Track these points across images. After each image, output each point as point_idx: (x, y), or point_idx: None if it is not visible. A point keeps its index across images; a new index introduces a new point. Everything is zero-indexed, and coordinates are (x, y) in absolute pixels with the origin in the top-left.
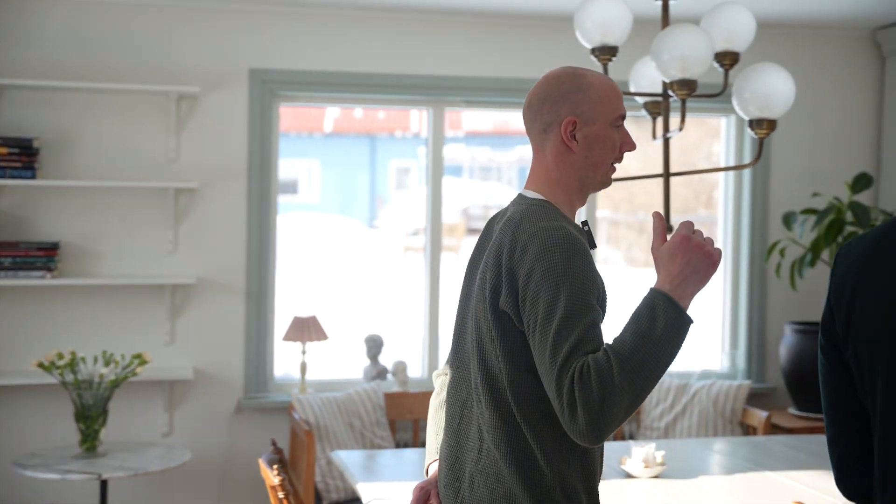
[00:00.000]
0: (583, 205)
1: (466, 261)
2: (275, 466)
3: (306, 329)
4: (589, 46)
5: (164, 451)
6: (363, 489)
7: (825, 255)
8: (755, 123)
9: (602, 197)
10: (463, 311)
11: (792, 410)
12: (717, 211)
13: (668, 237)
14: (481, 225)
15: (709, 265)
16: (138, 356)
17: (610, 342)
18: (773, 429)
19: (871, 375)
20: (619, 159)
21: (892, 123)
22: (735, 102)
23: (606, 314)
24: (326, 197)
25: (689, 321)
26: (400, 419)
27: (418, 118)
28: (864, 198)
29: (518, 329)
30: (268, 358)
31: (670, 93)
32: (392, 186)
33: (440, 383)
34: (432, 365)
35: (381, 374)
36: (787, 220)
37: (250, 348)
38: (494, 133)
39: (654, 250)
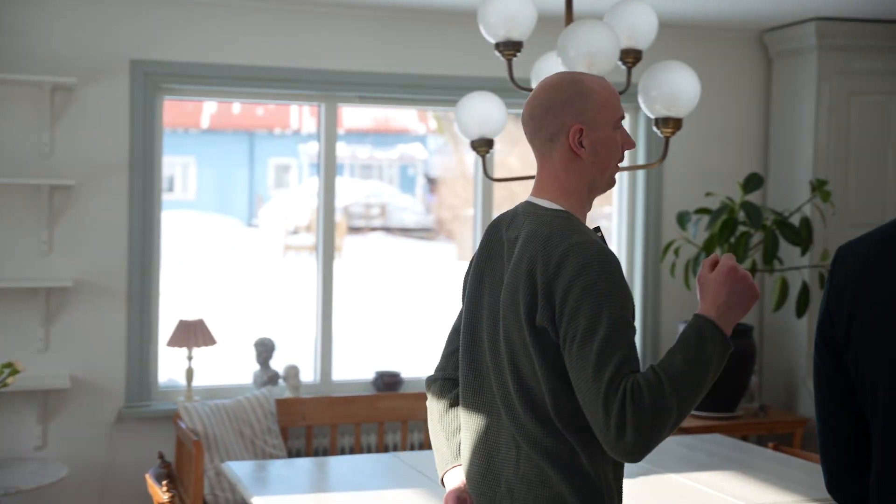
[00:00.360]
0: (590, 209)
1: (473, 264)
2: (164, 482)
3: (192, 333)
4: (493, 41)
5: (38, 467)
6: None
7: (718, 254)
8: (661, 122)
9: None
10: (474, 317)
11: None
12: (611, 210)
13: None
14: (362, 223)
15: (751, 297)
16: (9, 365)
17: (657, 364)
18: None
19: (872, 384)
20: (622, 159)
21: (779, 124)
22: (641, 100)
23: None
24: (203, 195)
25: (730, 347)
26: (292, 426)
27: (298, 115)
28: (755, 197)
29: (556, 343)
30: (151, 364)
31: None
32: (271, 184)
33: (438, 388)
34: (325, 368)
35: (272, 379)
36: (681, 219)
37: (132, 354)
38: (375, 130)
39: (702, 277)
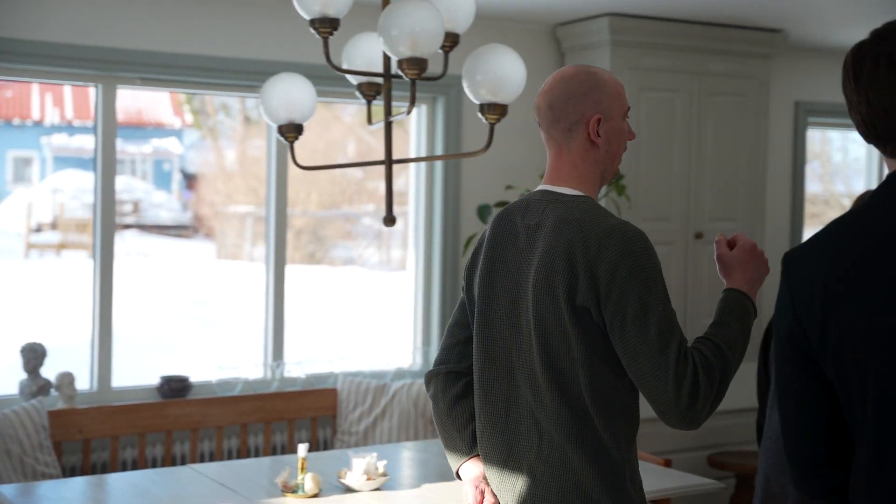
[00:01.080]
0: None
1: (483, 255)
2: None
3: None
4: (308, 17)
5: None
6: None
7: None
8: (486, 108)
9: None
10: (486, 306)
11: None
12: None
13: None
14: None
15: (766, 272)
16: None
17: (710, 335)
18: None
19: (860, 380)
20: (626, 149)
21: None
22: (465, 85)
23: None
24: None
25: (756, 316)
26: (68, 440)
27: (40, 105)
28: None
29: (597, 324)
30: None
31: (398, 72)
32: (10, 179)
33: (442, 381)
34: (104, 375)
35: (42, 388)
36: (482, 212)
37: None
38: (126, 124)
39: (725, 255)
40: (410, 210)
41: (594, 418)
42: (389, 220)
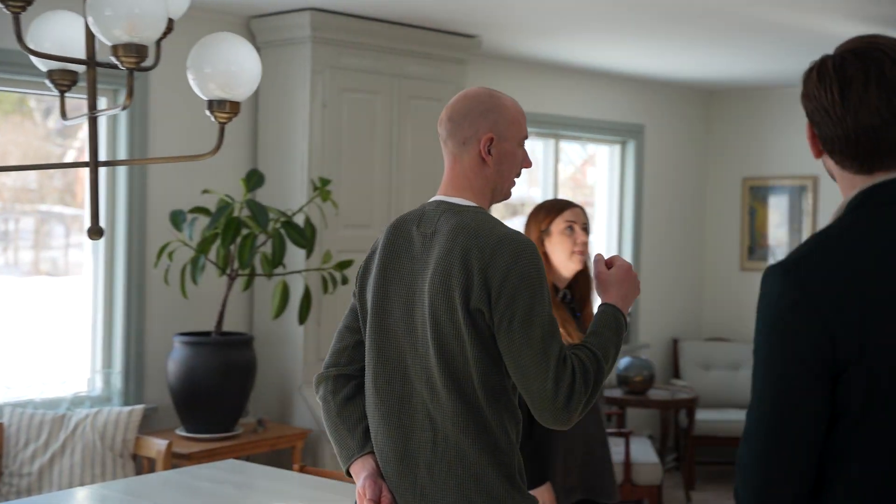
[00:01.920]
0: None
1: (376, 262)
2: None
3: None
4: None
5: None
6: None
7: (213, 255)
8: (216, 105)
9: None
10: (380, 310)
11: (180, 432)
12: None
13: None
14: None
15: (638, 292)
16: None
17: (587, 343)
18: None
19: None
20: (519, 175)
21: (271, 118)
22: (191, 78)
23: None
24: None
25: (626, 331)
26: None
27: None
28: (259, 195)
29: (488, 325)
30: None
31: (113, 59)
32: None
33: (332, 384)
34: None
35: None
36: (176, 219)
37: None
38: None
39: (603, 274)
40: (86, 214)
41: (487, 414)
42: (95, 232)
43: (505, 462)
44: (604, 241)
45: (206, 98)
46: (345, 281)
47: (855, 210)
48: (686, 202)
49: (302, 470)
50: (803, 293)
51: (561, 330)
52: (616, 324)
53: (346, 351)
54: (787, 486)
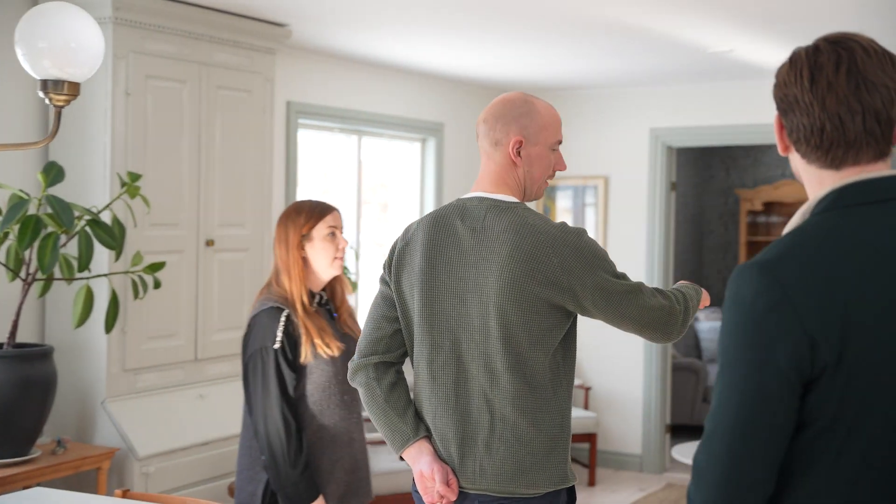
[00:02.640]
0: None
1: (419, 254)
2: None
3: None
4: None
5: None
6: None
7: (2, 257)
8: (52, 86)
9: None
10: (430, 299)
11: None
12: None
13: None
14: None
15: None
16: None
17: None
18: None
19: (875, 396)
20: (552, 177)
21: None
22: (21, 54)
23: None
24: None
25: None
26: None
27: None
28: (58, 191)
29: (552, 309)
30: None
31: None
32: None
33: (373, 371)
34: None
35: None
36: None
37: None
38: None
39: None
40: None
41: (548, 394)
42: None
43: (560, 442)
44: None
45: (38, 77)
46: (157, 285)
47: (827, 211)
48: None
49: (125, 495)
50: (784, 293)
51: (317, 340)
52: (695, 288)
53: (384, 339)
54: (748, 494)
